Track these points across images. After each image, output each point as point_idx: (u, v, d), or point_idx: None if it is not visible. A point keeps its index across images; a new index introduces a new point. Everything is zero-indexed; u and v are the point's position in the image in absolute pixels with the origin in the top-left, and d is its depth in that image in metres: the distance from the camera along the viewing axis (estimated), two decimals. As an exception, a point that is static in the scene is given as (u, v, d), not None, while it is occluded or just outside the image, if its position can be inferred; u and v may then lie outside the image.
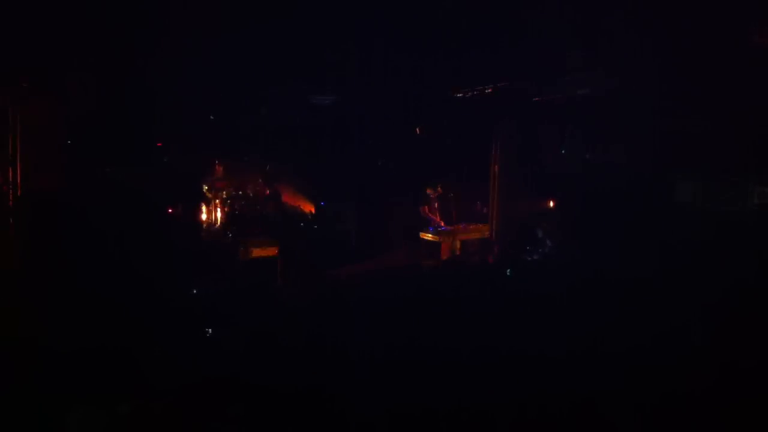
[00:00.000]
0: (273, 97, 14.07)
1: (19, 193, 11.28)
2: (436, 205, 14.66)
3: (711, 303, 7.68)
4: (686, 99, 10.23)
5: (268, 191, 14.53)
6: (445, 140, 15.15)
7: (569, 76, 11.80)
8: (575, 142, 13.35)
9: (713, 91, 9.73)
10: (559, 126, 13.58)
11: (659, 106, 10.75)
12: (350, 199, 15.06)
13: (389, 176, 15.15)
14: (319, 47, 11.00)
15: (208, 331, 9.10)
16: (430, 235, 14.58)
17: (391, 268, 13.08)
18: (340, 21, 10.40)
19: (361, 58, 11.24)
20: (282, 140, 14.51)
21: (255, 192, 14.79)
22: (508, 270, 12.06)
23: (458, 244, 14.57)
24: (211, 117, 14.72)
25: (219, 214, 14.32)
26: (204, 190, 14.35)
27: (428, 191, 14.67)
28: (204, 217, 14.28)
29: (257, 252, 13.32)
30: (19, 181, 11.35)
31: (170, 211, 13.53)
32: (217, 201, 14.39)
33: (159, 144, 14.58)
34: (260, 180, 14.79)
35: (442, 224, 14.50)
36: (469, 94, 13.66)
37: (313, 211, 15.12)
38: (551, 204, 14.31)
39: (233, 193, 14.56)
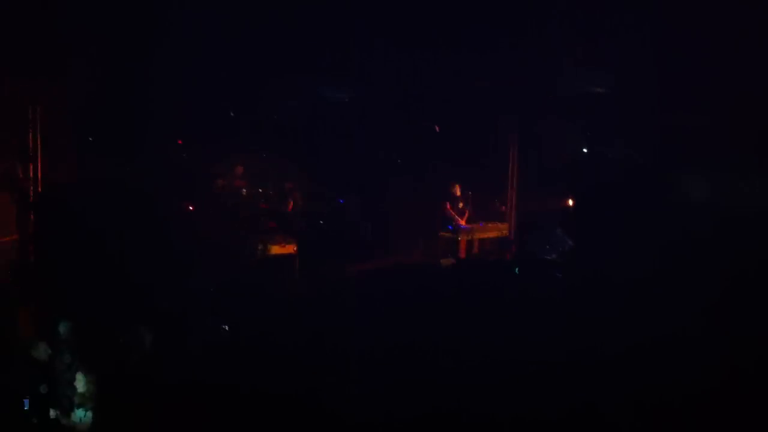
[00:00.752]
0: (291, 93, 14.08)
1: (39, 189, 11.39)
2: (460, 205, 14.63)
3: (721, 300, 7.58)
4: (702, 94, 10.12)
5: (286, 188, 14.54)
6: (463, 137, 15.08)
7: (589, 72, 11.70)
8: (596, 139, 13.23)
9: (722, 86, 9.60)
10: (575, 123, 13.48)
11: (683, 102, 10.64)
12: (368, 197, 15.06)
13: (407, 174, 15.12)
14: (332, 43, 10.99)
15: (224, 328, 9.12)
16: (449, 233, 14.54)
17: (408, 266, 13.06)
18: (353, 17, 10.38)
19: (375, 52, 11.20)
20: (300, 137, 14.53)
21: (273, 189, 14.82)
22: (516, 268, 11.97)
23: (477, 243, 14.53)
24: (231, 114, 14.75)
25: (236, 212, 14.35)
26: (222, 187, 14.39)
27: (451, 189, 14.65)
28: (221, 214, 14.31)
29: (276, 249, 13.34)
30: (39, 176, 11.46)
31: (191, 208, 13.59)
32: (234, 198, 14.42)
33: (179, 141, 14.68)
34: (278, 177, 14.82)
35: (463, 222, 14.44)
36: (487, 90, 13.57)
37: (330, 207, 15.13)
38: (570, 202, 14.20)
39: (251, 190, 14.59)
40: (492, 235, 14.75)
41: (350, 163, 14.56)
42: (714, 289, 7.69)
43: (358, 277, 12.47)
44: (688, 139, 10.25)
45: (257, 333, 8.87)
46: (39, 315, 9.62)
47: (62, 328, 7.84)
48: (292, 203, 14.37)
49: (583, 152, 13.09)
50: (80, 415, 6.39)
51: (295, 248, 13.35)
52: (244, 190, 14.56)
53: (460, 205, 14.64)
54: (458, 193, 14.65)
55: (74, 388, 6.61)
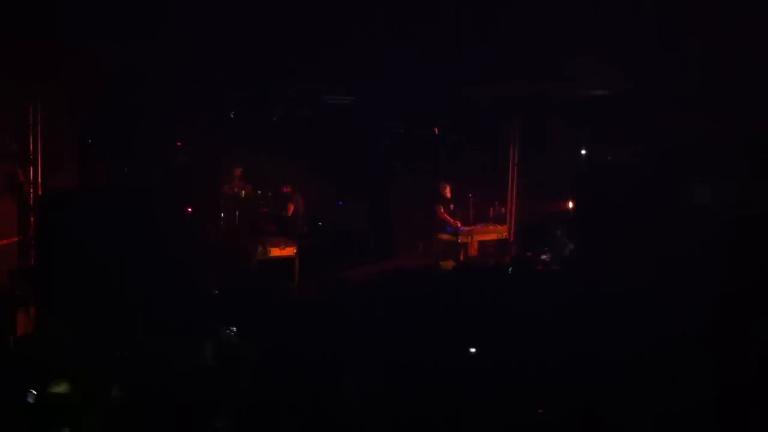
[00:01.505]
0: (290, 95, 14.10)
1: (39, 192, 11.41)
2: (452, 206, 14.59)
3: (726, 306, 7.60)
4: (704, 99, 10.12)
5: (285, 191, 14.54)
6: (462, 140, 15.10)
7: (587, 75, 11.70)
8: (593, 143, 13.25)
9: (729, 90, 9.61)
10: (578, 126, 13.48)
11: (681, 107, 10.65)
12: (367, 199, 15.07)
13: (406, 176, 15.14)
14: (333, 45, 10.99)
15: (231, 330, 9.09)
16: (447, 236, 14.53)
17: (407, 269, 13.06)
18: (352, 19, 10.38)
19: (374, 56, 11.21)
20: (299, 139, 14.54)
21: (273, 192, 14.83)
22: (510, 268, 11.96)
23: (476, 245, 14.52)
24: (232, 115, 14.75)
25: (236, 214, 14.36)
26: (222, 190, 14.40)
27: (442, 191, 14.60)
28: (221, 216, 14.33)
29: (275, 252, 13.36)
30: (40, 179, 11.49)
31: (189, 210, 13.59)
32: (235, 200, 14.42)
33: (179, 144, 14.68)
34: (278, 179, 14.82)
35: (459, 225, 14.42)
36: (486, 93, 13.59)
37: (330, 210, 15.14)
38: (570, 205, 14.22)
39: (251, 193, 14.60)
40: (491, 237, 14.74)
41: (350, 166, 14.57)
42: (719, 294, 7.70)
43: (357, 281, 12.48)
44: (695, 144, 10.25)
45: (254, 336, 8.88)
46: (38, 318, 9.65)
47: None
48: (292, 206, 14.37)
49: (587, 156, 13.10)
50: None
51: (294, 251, 13.37)
52: (243, 193, 14.56)
53: (452, 207, 14.60)
54: (448, 194, 14.61)
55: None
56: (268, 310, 9.90)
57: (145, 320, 8.40)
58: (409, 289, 10.96)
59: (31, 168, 11.41)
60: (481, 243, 14.59)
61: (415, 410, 6.17)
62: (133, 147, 11.85)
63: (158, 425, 6.07)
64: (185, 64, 11.28)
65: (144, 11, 9.74)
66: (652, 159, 10.89)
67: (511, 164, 14.76)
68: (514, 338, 7.68)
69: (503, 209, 15.05)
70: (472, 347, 7.96)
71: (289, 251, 13.36)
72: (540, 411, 6.30)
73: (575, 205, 13.52)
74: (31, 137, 11.31)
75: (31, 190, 11.44)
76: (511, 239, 14.89)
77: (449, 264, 13.39)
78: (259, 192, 14.76)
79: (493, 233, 14.76)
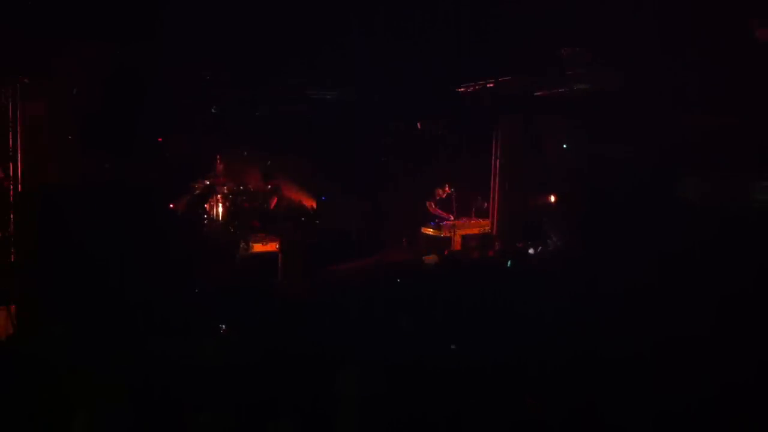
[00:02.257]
0: (273, 90, 14.02)
1: (20, 189, 11.27)
2: (443, 198, 14.68)
3: (720, 302, 7.64)
4: (694, 94, 10.16)
5: (268, 186, 14.49)
6: (446, 134, 15.10)
7: (572, 70, 11.73)
8: (579, 137, 13.28)
9: (721, 86, 9.65)
10: (562, 121, 13.51)
11: (665, 102, 10.69)
12: (350, 194, 15.03)
13: (389, 171, 15.12)
14: (319, 40, 10.95)
15: (221, 327, 9.06)
16: (431, 230, 14.59)
17: (391, 264, 13.08)
18: (340, 14, 10.34)
19: (361, 51, 11.18)
20: (282, 134, 14.46)
21: (255, 187, 14.77)
22: (509, 261, 12.05)
23: (459, 239, 14.58)
24: (213, 110, 14.64)
25: (219, 209, 14.29)
26: (204, 185, 14.31)
27: (437, 189, 14.71)
28: (204, 212, 14.25)
29: (258, 247, 13.33)
30: (20, 176, 11.34)
31: (171, 206, 13.50)
32: (218, 196, 14.35)
33: (159, 139, 14.54)
34: (260, 175, 14.76)
35: (452, 218, 14.52)
36: (471, 88, 13.60)
37: (313, 205, 15.10)
38: (553, 199, 14.28)
39: (234, 188, 14.53)
40: (474, 231, 14.80)
41: (335, 161, 14.52)
42: (714, 292, 7.74)
43: (341, 276, 12.48)
44: (690, 141, 10.28)
45: (239, 333, 8.85)
46: (20, 316, 9.57)
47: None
48: (275, 201, 14.32)
49: (582, 153, 13.13)
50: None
51: (277, 246, 13.33)
52: (225, 188, 14.49)
53: (444, 199, 14.71)
54: (442, 193, 14.73)
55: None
56: (253, 306, 9.88)
57: (131, 316, 8.35)
58: (399, 284, 11.00)
59: (11, 165, 11.27)
60: (463, 237, 14.65)
61: (410, 409, 6.18)
62: (118, 143, 11.71)
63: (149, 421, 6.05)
64: (173, 60, 11.20)
65: (130, 7, 9.66)
66: (646, 155, 10.92)
67: (493, 158, 14.77)
68: (514, 334, 7.70)
69: (485, 204, 15.09)
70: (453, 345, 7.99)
71: (272, 247, 13.34)
72: (529, 401, 6.33)
73: (569, 201, 13.55)
74: (11, 134, 11.16)
75: (11, 187, 11.29)
76: (494, 233, 14.94)
77: (432, 259, 13.44)
78: (241, 187, 14.69)
79: (476, 227, 14.82)
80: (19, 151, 11.28)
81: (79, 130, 11.75)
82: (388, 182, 14.72)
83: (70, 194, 10.66)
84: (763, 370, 6.29)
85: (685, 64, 9.85)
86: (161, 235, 11.00)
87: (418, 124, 15.34)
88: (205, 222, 14.15)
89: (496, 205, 14.87)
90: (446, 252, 14.01)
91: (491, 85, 13.06)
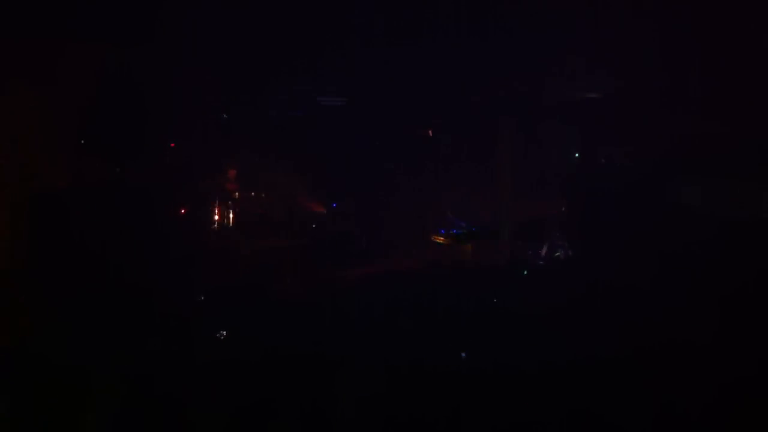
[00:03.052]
0: (284, 97, 14.07)
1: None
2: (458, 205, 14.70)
3: (721, 305, 7.58)
4: (694, 101, 10.13)
5: (278, 192, 14.52)
6: (454, 143, 15.09)
7: (575, 77, 11.72)
8: (584, 144, 13.24)
9: (722, 92, 9.61)
10: (567, 128, 13.49)
11: (666, 108, 10.65)
12: (361, 201, 15.02)
13: (400, 179, 15.10)
14: (326, 47, 10.99)
15: (222, 334, 9.09)
16: (441, 238, 14.56)
17: (400, 270, 13.05)
18: (346, 21, 10.38)
19: (367, 57, 11.21)
20: (292, 141, 14.50)
21: (265, 193, 14.79)
22: (524, 270, 12.09)
23: (469, 246, 14.54)
24: (225, 115, 14.71)
25: (229, 214, 14.33)
26: (213, 191, 14.36)
27: (449, 195, 14.72)
28: (213, 217, 14.29)
29: (269, 253, 13.34)
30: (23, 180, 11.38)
31: (182, 211, 13.56)
32: (227, 201, 14.39)
33: (172, 144, 14.62)
34: (270, 181, 14.79)
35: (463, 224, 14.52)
36: (477, 96, 13.60)
37: (324, 211, 15.10)
38: (560, 206, 14.21)
39: (243, 193, 14.57)
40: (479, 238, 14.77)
41: (345, 167, 14.53)
42: (710, 294, 7.69)
43: (350, 283, 12.47)
44: (689, 145, 10.24)
45: (245, 336, 8.86)
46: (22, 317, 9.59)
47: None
48: (286, 208, 14.34)
49: (580, 157, 13.08)
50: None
51: (288, 252, 13.34)
52: (237, 194, 14.53)
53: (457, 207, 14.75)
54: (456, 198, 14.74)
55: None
56: (258, 308, 9.89)
57: (129, 316, 8.37)
58: (401, 288, 10.96)
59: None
60: (472, 243, 14.61)
61: (411, 409, 6.17)
62: (122, 146, 11.77)
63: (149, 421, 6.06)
64: (181, 66, 11.27)
65: (136, 11, 9.73)
66: (644, 160, 10.88)
67: (498, 165, 14.75)
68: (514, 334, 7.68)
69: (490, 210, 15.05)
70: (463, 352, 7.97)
71: (280, 251, 13.35)
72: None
73: (568, 206, 13.52)
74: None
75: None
76: (500, 239, 14.88)
77: (442, 264, 13.41)
78: (252, 193, 14.72)
79: (487, 233, 14.76)
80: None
81: (86, 135, 11.81)
82: (397, 189, 14.71)
83: (77, 196, 10.71)
84: (763, 370, 6.24)
85: (684, 70, 9.83)
86: (166, 239, 11.03)
87: (429, 132, 15.33)
88: (214, 225, 14.19)
89: (500, 212, 14.83)
90: (456, 259, 14.01)
91: (497, 92, 13.05)
